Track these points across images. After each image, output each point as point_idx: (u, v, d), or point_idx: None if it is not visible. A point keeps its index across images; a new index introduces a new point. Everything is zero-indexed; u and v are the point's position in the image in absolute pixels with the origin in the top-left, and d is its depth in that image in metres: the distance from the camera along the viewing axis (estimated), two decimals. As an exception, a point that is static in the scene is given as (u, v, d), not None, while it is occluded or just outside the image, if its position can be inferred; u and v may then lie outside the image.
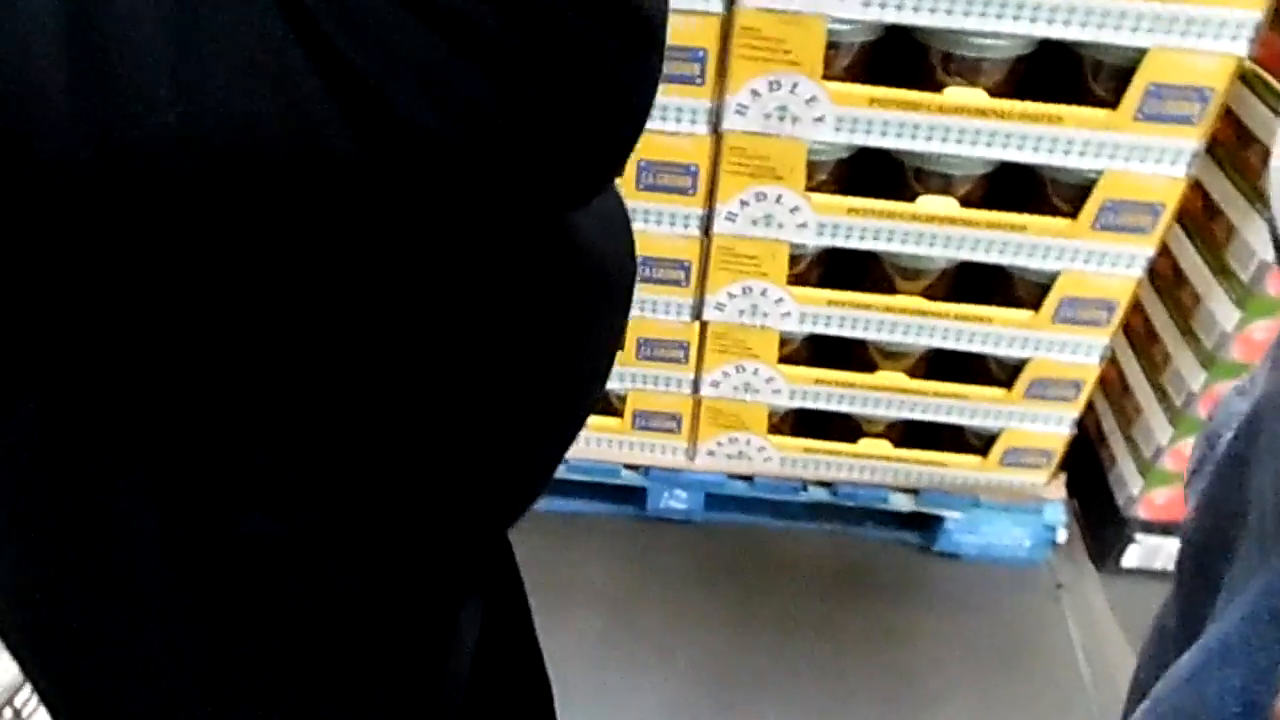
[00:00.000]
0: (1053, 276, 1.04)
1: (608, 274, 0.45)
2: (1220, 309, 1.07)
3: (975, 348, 1.10)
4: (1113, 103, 0.91)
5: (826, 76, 0.93)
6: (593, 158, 0.32)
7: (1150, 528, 1.25)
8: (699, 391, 1.19)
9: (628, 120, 0.32)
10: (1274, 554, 0.35)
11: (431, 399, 0.36)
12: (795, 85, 0.92)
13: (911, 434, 1.25)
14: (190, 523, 0.32)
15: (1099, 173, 0.95)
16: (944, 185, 1.00)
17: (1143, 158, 0.93)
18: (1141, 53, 0.88)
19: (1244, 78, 1.01)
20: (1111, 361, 1.28)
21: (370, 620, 0.39)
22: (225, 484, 0.32)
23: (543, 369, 0.41)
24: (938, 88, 0.93)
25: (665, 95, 0.94)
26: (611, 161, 0.34)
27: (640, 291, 1.09)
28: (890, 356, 1.16)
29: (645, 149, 0.98)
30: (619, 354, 1.16)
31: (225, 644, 0.35)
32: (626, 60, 0.29)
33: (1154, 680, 0.65)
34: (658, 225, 1.03)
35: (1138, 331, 1.25)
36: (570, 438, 0.48)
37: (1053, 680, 1.20)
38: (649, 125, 1.01)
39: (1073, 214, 0.99)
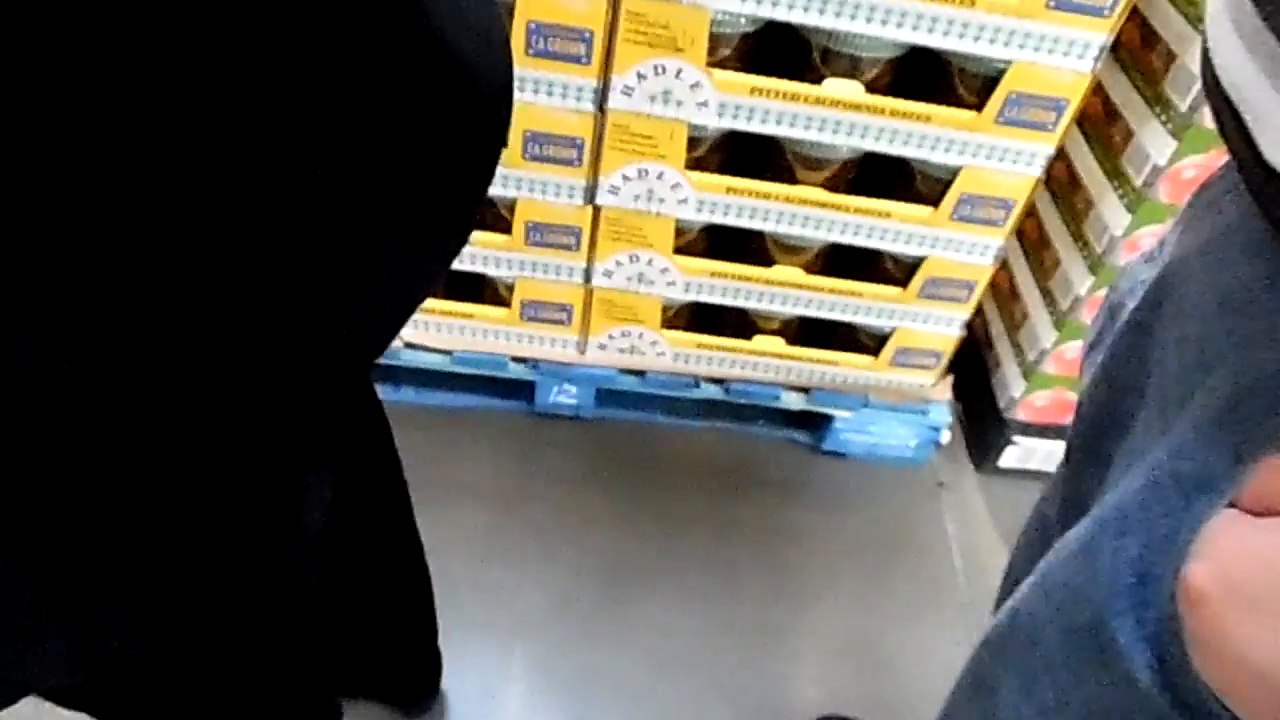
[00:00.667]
0: (954, 173, 1.02)
1: (478, 87, 0.39)
2: (1111, 213, 1.07)
3: (874, 243, 1.08)
4: (1025, -12, 0.88)
5: (734, -61, 0.86)
6: None
7: (1028, 430, 1.29)
8: (590, 281, 1.14)
9: None
10: (1176, 421, 0.33)
11: (269, 215, 0.30)
12: (700, -54, 0.85)
13: (805, 333, 1.24)
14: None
15: (1008, 63, 0.92)
16: (851, 68, 0.95)
17: (1051, 49, 0.91)
18: (1058, -67, 0.84)
19: (1154, -26, 0.99)
20: (1002, 266, 1.29)
21: (191, 494, 0.34)
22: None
23: (395, 176, 0.35)
24: (850, -41, 0.87)
25: (559, -52, 0.86)
26: None
27: (530, 171, 1.03)
28: (789, 250, 1.13)
29: (534, 9, 0.90)
30: (509, 240, 1.10)
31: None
32: None
33: (1027, 567, 0.65)
34: (549, 97, 0.96)
35: (1029, 237, 1.26)
36: (433, 273, 0.43)
37: (928, 574, 1.24)
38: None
39: (978, 107, 0.96)
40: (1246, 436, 0.28)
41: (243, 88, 0.27)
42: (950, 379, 1.27)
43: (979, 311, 1.36)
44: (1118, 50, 1.06)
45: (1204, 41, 0.32)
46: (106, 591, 0.35)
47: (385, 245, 0.36)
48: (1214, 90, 0.30)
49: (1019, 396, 1.25)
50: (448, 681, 1.03)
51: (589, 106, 0.97)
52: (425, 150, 0.36)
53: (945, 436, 1.32)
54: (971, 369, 1.36)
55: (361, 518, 0.67)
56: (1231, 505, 0.27)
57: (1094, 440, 0.43)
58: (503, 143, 0.43)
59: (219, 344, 0.31)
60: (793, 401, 1.26)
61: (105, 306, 0.28)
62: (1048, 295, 1.20)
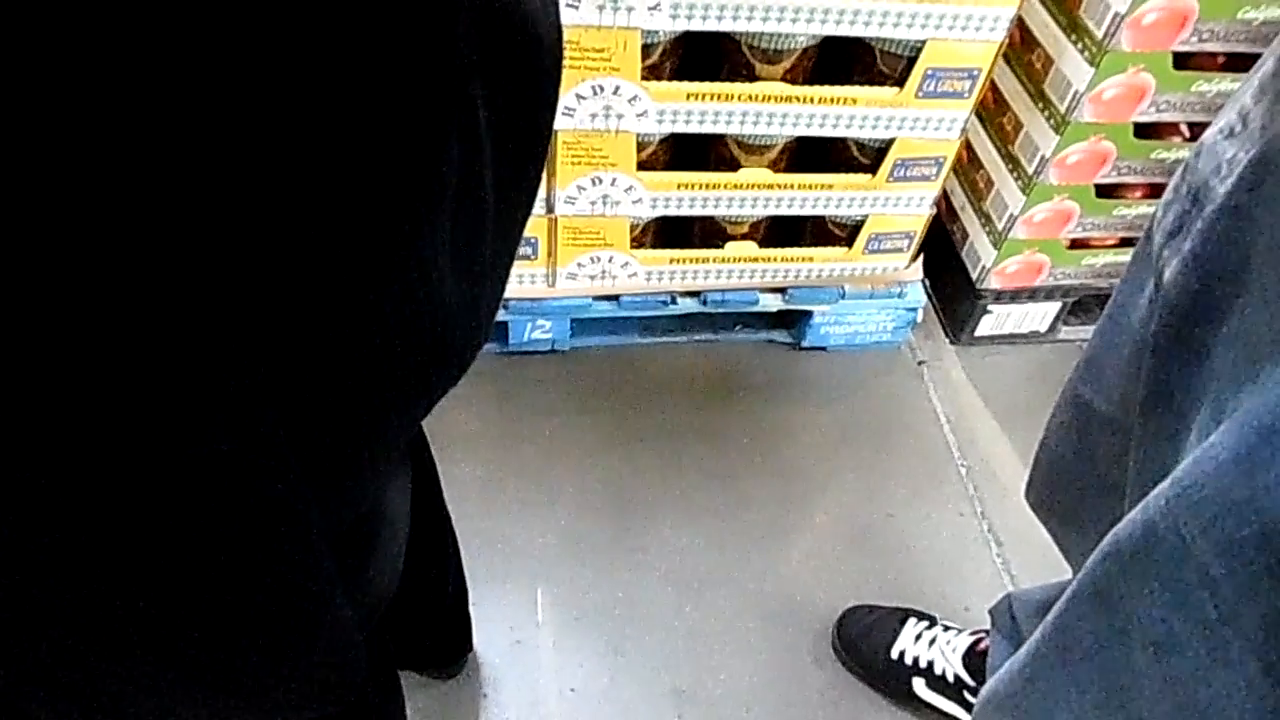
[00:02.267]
0: (918, 49, 0.98)
1: (540, 36, 0.35)
2: (1072, 67, 1.05)
3: (840, 132, 1.05)
4: None
5: None
6: None
7: (1001, 296, 1.29)
8: (553, 210, 1.09)
9: None
10: None
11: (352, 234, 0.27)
12: None
13: (775, 232, 1.21)
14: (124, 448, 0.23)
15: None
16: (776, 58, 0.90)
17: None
18: None
19: None
20: (966, 143, 1.27)
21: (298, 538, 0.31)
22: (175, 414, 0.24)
23: (482, 166, 0.33)
24: None
25: None
26: None
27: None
28: (753, 150, 1.09)
29: None
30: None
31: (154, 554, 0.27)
32: None
33: (1069, 453, 0.65)
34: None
35: (987, 104, 1.24)
36: (513, 243, 0.40)
37: (922, 450, 1.26)
38: None
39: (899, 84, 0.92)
40: None
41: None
42: (921, 258, 1.27)
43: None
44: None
45: None
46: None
47: (485, 212, 0.33)
48: None
49: (991, 265, 1.25)
50: (476, 638, 1.02)
51: (533, 25, 0.90)
52: (507, 109, 0.33)
53: (921, 316, 1.32)
54: (938, 243, 1.35)
55: (417, 512, 0.65)
56: None
57: (1185, 331, 0.41)
58: (559, 81, 0.40)
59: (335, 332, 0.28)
60: (771, 303, 1.24)
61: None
62: (1011, 161, 1.19)
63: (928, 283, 1.40)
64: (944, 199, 1.36)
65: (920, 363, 1.35)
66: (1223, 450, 0.34)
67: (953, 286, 1.35)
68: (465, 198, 0.32)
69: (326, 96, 0.23)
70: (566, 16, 0.89)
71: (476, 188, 0.33)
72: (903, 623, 1.03)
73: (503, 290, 0.41)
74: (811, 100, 1.01)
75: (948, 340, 1.37)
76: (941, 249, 1.35)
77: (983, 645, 0.97)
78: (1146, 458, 0.46)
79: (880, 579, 1.12)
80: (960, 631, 1.00)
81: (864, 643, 1.03)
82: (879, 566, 1.14)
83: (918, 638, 1.01)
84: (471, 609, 0.98)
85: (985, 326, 1.33)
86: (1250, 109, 0.39)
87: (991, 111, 1.23)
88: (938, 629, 1.01)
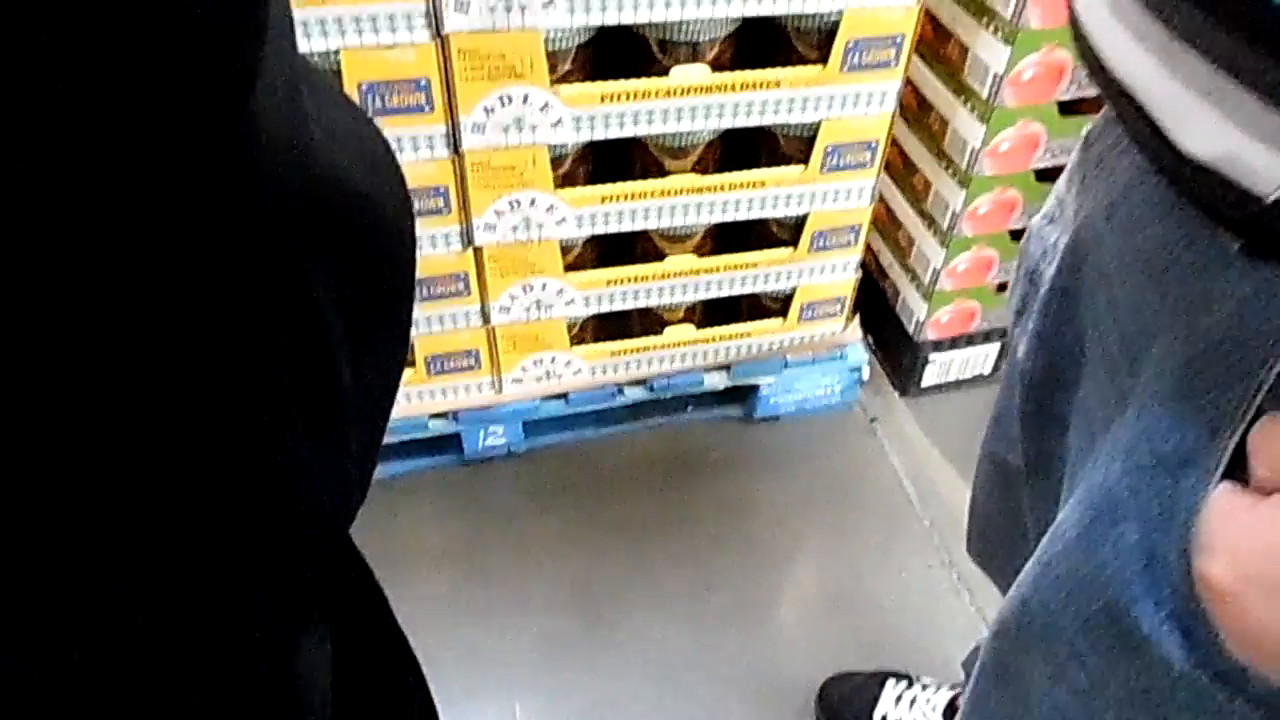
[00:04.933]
0: (814, 129, 1.03)
1: (378, 207, 0.37)
2: (967, 128, 1.10)
3: (755, 214, 1.09)
4: (838, -63, 0.89)
5: (546, -46, 0.84)
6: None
7: (940, 345, 1.33)
8: (489, 321, 1.11)
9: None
10: (1130, 391, 0.33)
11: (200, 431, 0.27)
12: (515, -31, 0.83)
13: (712, 312, 1.24)
14: None
15: (839, 13, 0.93)
16: (691, 53, 0.95)
17: (876, -10, 0.92)
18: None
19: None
20: (880, 200, 1.32)
21: (175, 684, 0.31)
22: None
23: (331, 348, 0.33)
24: (665, -52, 0.86)
25: (374, 3, 0.82)
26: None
27: (400, 230, 0.99)
28: (675, 240, 1.13)
29: (364, 69, 0.86)
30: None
31: None
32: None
33: (994, 510, 0.67)
34: (401, 152, 0.92)
35: (896, 166, 1.29)
36: (385, 407, 0.41)
37: (884, 507, 1.27)
38: (363, 41, 0.88)
39: (823, 60, 0.97)
40: (1215, 407, 0.28)
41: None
42: (857, 319, 1.30)
43: (868, 247, 1.39)
44: (933, -28, 1.09)
45: (1075, 23, 0.32)
46: None
47: (340, 386, 0.34)
48: (1106, 80, 0.30)
49: (925, 318, 1.29)
50: (458, 759, 1.01)
51: (444, 152, 0.94)
52: (352, 285, 0.34)
53: (865, 373, 1.35)
54: (873, 302, 1.39)
55: (363, 677, 0.64)
56: (1225, 478, 0.27)
57: (1044, 404, 0.44)
58: (414, 247, 0.42)
59: (181, 516, 0.28)
60: (716, 381, 1.27)
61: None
62: (927, 218, 1.24)
63: (871, 340, 1.43)
64: (873, 258, 1.40)
65: (873, 420, 1.37)
66: (1069, 528, 0.36)
67: (893, 342, 1.38)
68: (310, 374, 0.33)
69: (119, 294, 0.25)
70: (474, 141, 0.93)
71: (324, 364, 0.34)
72: (882, 685, 1.02)
73: (374, 456, 0.42)
74: (721, 188, 1.05)
75: (897, 394, 1.40)
76: (878, 306, 1.38)
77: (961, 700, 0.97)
78: (1038, 522, 0.48)
79: (857, 642, 1.12)
80: (940, 687, 1.00)
81: (846, 711, 1.03)
82: (854, 630, 1.14)
83: (898, 699, 1.00)
84: (449, 729, 0.97)
85: (930, 376, 1.36)
86: (1064, 195, 0.42)
87: (902, 172, 1.28)
88: (916, 688, 1.01)
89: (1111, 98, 0.30)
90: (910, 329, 1.33)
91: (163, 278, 0.25)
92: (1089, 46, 0.31)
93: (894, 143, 1.26)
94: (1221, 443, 0.28)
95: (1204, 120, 0.25)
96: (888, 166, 1.30)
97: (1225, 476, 0.28)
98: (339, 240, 0.35)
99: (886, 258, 1.36)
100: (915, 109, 1.21)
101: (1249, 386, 0.27)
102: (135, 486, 0.27)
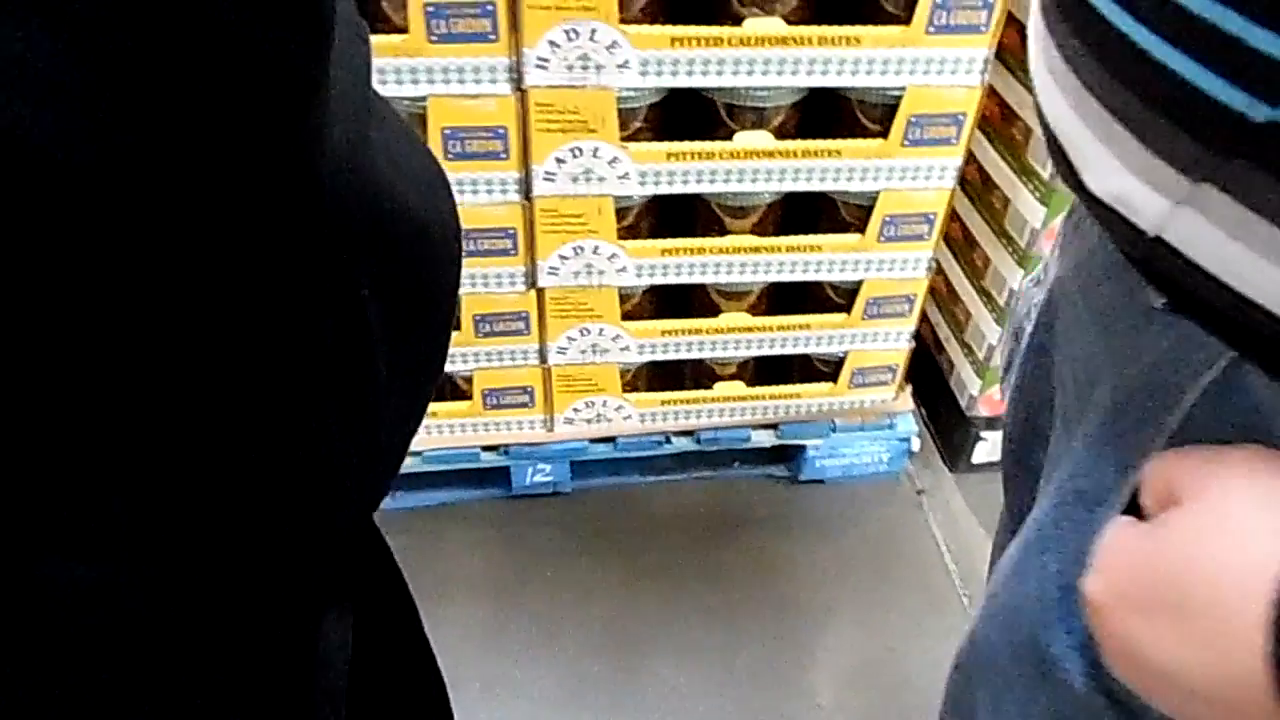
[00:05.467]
0: (873, 198, 1.05)
1: (429, 232, 0.41)
2: (1028, 208, 1.12)
3: (810, 277, 1.12)
4: (903, 19, 0.93)
5: (624, 21, 0.90)
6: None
7: (993, 423, 1.32)
8: (546, 361, 1.16)
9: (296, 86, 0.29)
10: (1075, 435, 0.35)
11: (247, 401, 0.31)
12: (594, 31, 0.89)
13: (763, 370, 1.26)
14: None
15: (902, 89, 0.97)
16: (757, 119, 0.99)
17: (939, 70, 0.95)
18: (925, -34, 0.89)
19: (1021, -17, 1.04)
20: (939, 272, 1.33)
21: (205, 654, 0.35)
22: (39, 530, 0.27)
23: (372, 349, 0.37)
24: (737, 20, 0.91)
25: (459, 56, 0.89)
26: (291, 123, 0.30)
27: (470, 266, 1.04)
28: (731, 297, 1.16)
29: (446, 115, 0.92)
30: (461, 335, 1.11)
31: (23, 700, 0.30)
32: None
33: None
34: (475, 195, 0.98)
35: (957, 240, 1.30)
36: (418, 411, 0.45)
37: (924, 581, 1.26)
38: (447, 90, 0.95)
39: (883, 134, 1.00)
40: (1126, 448, 0.30)
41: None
42: (910, 389, 1.30)
43: (925, 318, 1.40)
44: (1002, 56, 1.12)
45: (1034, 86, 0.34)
46: None
47: (376, 387, 0.38)
48: (1043, 124, 0.32)
49: (978, 394, 1.28)
50: (474, 786, 1.02)
51: (516, 197, 1.00)
52: (397, 296, 0.38)
53: (915, 444, 1.35)
54: (929, 374, 1.39)
55: (377, 645, 0.67)
56: (1127, 512, 0.29)
57: (1022, 455, 0.45)
58: (459, 272, 0.46)
59: (220, 491, 0.32)
60: (763, 439, 1.28)
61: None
62: (985, 294, 1.24)
63: (924, 412, 1.43)
64: (931, 331, 1.41)
65: (919, 492, 1.36)
66: (1006, 563, 0.37)
67: (946, 416, 1.38)
68: (349, 366, 0.37)
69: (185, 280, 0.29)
70: (544, 189, 0.99)
71: (363, 359, 0.38)
72: (904, 761, 1.01)
73: (401, 454, 0.45)
74: (779, 249, 1.08)
75: (946, 468, 1.39)
76: (933, 379, 1.39)
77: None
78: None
79: (883, 715, 1.11)
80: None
81: (866, 783, 1.01)
82: (882, 702, 1.12)
83: (919, 777, 0.99)
84: (469, 755, 0.99)
85: (981, 453, 1.35)
86: (1049, 260, 0.44)
87: (963, 247, 1.29)
88: (939, 767, 0.99)
89: (1047, 141, 0.32)
90: (963, 404, 1.33)
91: (227, 261, 0.29)
92: (1035, 95, 0.33)
93: (955, 217, 1.28)
94: (1131, 481, 0.30)
95: (1102, 160, 0.27)
96: (949, 240, 1.31)
97: (1131, 513, 0.30)
98: (390, 254, 0.40)
99: (944, 331, 1.37)
100: (979, 185, 1.22)
101: (1157, 431, 0.29)
102: (184, 455, 0.31)
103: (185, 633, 0.34)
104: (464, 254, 1.01)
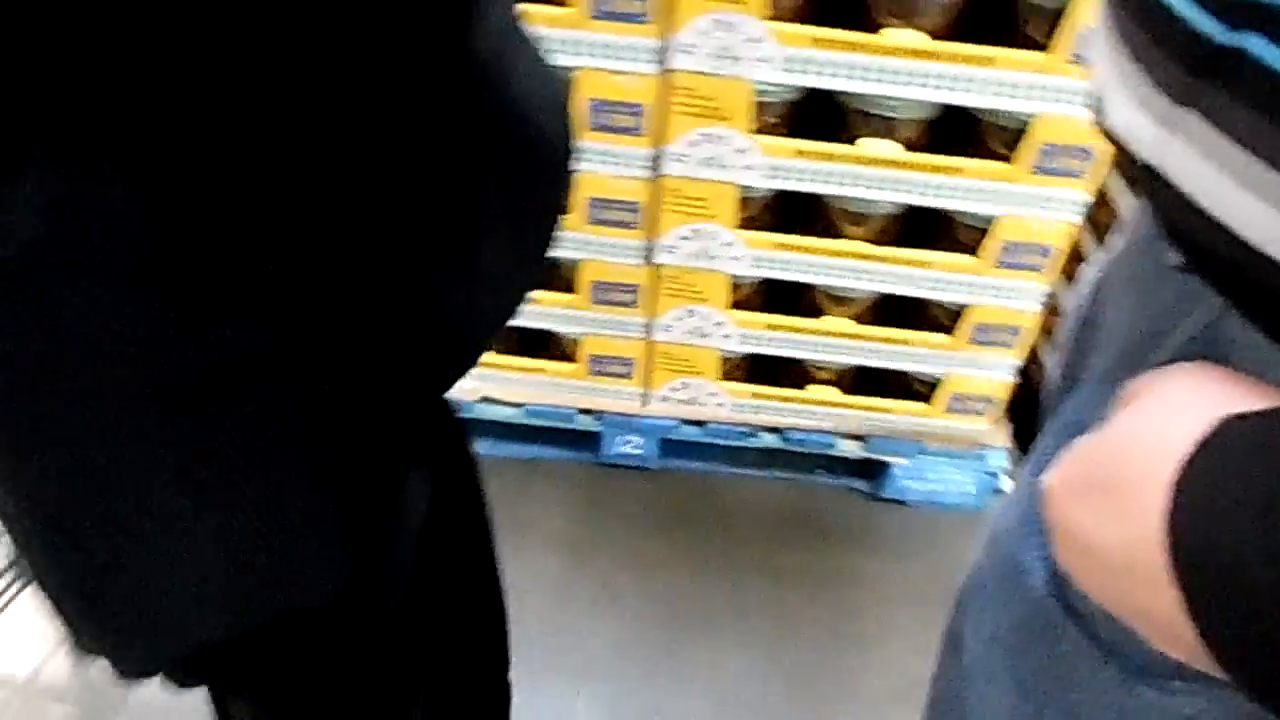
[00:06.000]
0: (993, 221, 1.06)
1: (547, 142, 0.48)
2: (1155, 256, 1.10)
3: (919, 293, 1.13)
4: (1043, 46, 0.94)
5: (773, 18, 0.95)
6: None
7: (1090, 475, 1.29)
8: (651, 336, 1.21)
9: None
10: (1089, 380, 0.38)
11: (377, 225, 0.38)
12: (740, 24, 0.94)
13: (859, 380, 1.28)
14: (165, 333, 0.34)
15: (1033, 116, 0.98)
16: (887, 129, 1.02)
17: (1070, 100, 0.96)
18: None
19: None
20: (1056, 312, 1.32)
21: (323, 450, 0.41)
22: (202, 293, 0.34)
23: (480, 220, 0.44)
24: (876, 29, 0.95)
25: (612, 34, 0.96)
26: None
27: (590, 233, 1.11)
28: (838, 302, 1.19)
29: (593, 88, 1.00)
30: (575, 299, 1.18)
31: (186, 459, 0.37)
32: None
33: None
34: (604, 166, 1.05)
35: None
36: (507, 309, 0.51)
37: (992, 620, 1.24)
38: (596, 64, 1.03)
39: (1010, 158, 1.02)
40: (1120, 384, 0.33)
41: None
42: (1007, 424, 1.29)
43: (1035, 358, 1.38)
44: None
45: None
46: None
47: (477, 252, 0.45)
48: (1095, 90, 0.35)
49: (1077, 441, 1.26)
50: (516, 718, 1.08)
51: (645, 173, 1.06)
52: (515, 192, 0.45)
53: (1006, 483, 1.33)
54: (1030, 415, 1.37)
55: (448, 534, 0.74)
56: None
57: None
58: (568, 189, 0.52)
59: (332, 336, 0.39)
60: (849, 449, 1.30)
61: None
62: (1099, 340, 1.22)
63: (1020, 454, 1.41)
64: (1040, 371, 1.39)
65: (1002, 531, 1.34)
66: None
67: (1042, 460, 1.35)
68: (465, 243, 0.44)
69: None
70: (673, 169, 1.05)
71: (476, 241, 0.44)
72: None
73: (509, 305, 0.51)
74: (891, 260, 1.10)
75: (1035, 514, 1.36)
76: (1033, 419, 1.37)
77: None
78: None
79: (925, 737, 1.10)
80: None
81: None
82: (926, 724, 1.12)
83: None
84: (517, 691, 1.05)
85: (1073, 504, 1.32)
86: (1116, 242, 0.47)
87: (1085, 293, 1.27)
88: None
89: (1093, 101, 0.35)
90: (1061, 450, 1.30)
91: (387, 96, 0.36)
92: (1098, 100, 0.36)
93: (1082, 259, 1.26)
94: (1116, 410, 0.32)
95: (1116, 95, 0.30)
96: (1071, 279, 1.30)
97: None
98: (513, 153, 0.46)
99: (1053, 375, 1.35)
100: (1108, 226, 1.21)
101: (1145, 368, 0.31)
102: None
103: (325, 406, 0.40)
104: (590, 221, 1.09)
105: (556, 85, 0.53)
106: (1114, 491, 0.27)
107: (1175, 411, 0.27)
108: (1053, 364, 0.48)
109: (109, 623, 0.41)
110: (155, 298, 0.33)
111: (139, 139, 0.31)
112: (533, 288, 0.54)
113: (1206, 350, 0.30)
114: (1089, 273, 0.47)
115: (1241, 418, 0.25)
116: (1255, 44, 0.24)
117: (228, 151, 0.33)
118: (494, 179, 0.45)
